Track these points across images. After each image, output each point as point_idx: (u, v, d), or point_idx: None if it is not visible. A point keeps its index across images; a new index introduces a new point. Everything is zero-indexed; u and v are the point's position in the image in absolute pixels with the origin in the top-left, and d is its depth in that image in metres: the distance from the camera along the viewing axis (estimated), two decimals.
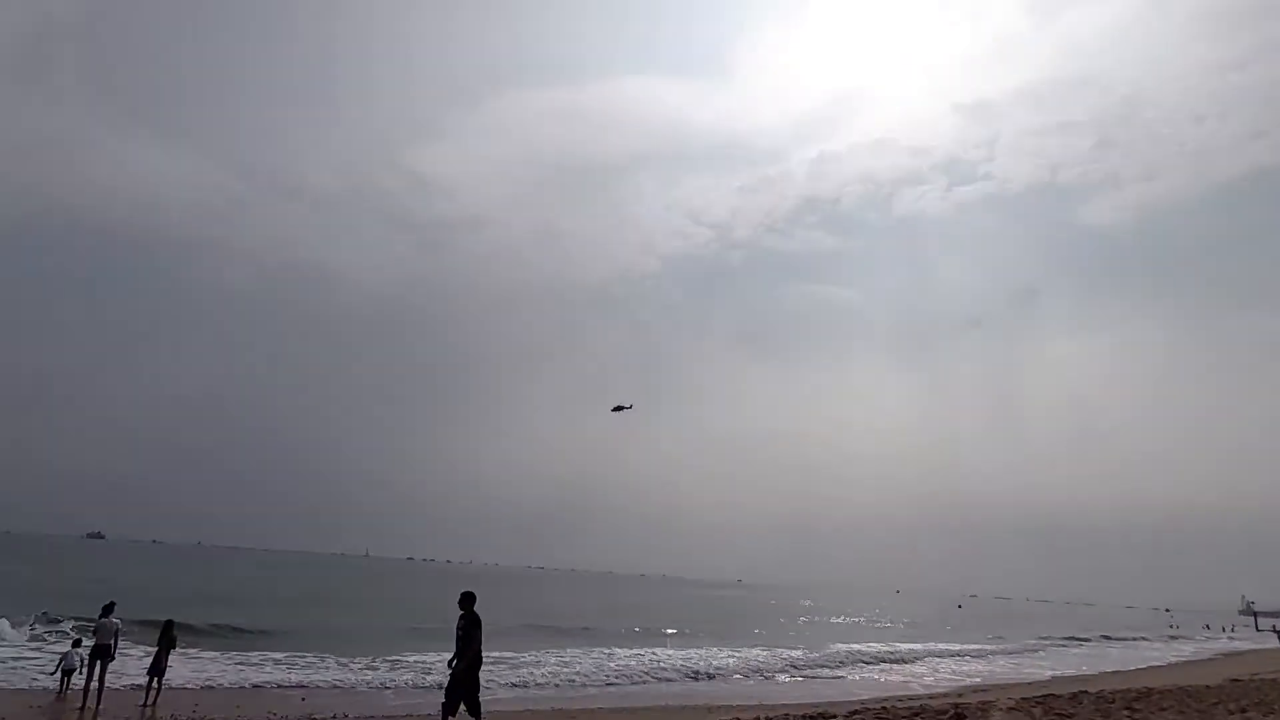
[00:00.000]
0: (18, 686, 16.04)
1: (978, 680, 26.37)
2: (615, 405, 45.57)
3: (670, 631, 42.51)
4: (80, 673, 14.68)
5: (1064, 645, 50.68)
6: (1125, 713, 12.30)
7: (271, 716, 14.00)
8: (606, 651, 29.47)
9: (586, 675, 23.17)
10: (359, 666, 21.63)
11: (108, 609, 14.87)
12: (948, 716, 11.56)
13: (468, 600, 11.55)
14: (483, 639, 11.43)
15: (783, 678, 25.87)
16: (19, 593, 35.83)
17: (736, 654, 31.45)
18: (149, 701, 14.34)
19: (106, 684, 14.41)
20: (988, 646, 43.98)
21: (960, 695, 18.85)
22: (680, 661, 27.64)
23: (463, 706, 11.10)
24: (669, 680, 23.71)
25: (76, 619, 24.84)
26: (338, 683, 19.10)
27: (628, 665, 26.05)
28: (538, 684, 21.25)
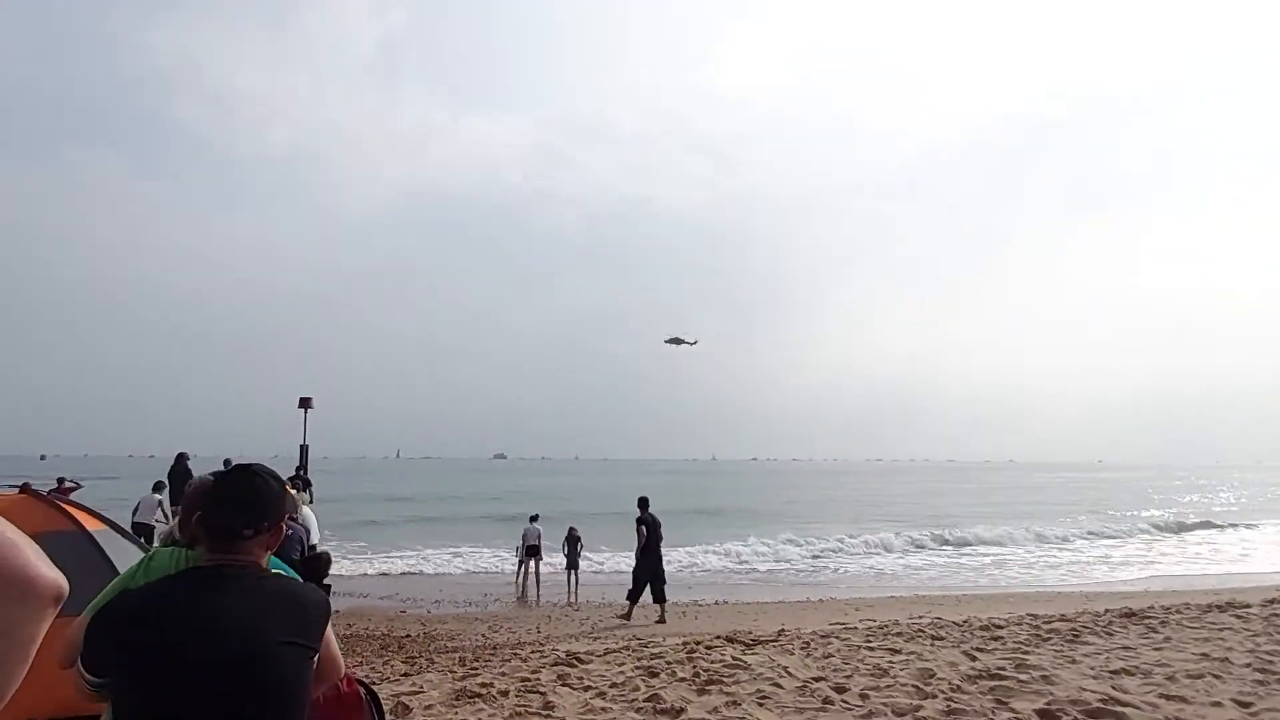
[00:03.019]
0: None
1: None
2: (673, 337, 41.53)
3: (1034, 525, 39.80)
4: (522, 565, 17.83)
5: None
6: None
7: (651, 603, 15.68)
8: (961, 544, 28.54)
9: (970, 566, 22.74)
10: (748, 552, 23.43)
11: (533, 518, 17.90)
12: None
13: (642, 503, 13.48)
14: (660, 534, 13.54)
15: (1160, 565, 23.16)
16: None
17: (1108, 542, 28.80)
18: (570, 589, 16.88)
19: (543, 576, 17.36)
20: None
21: None
22: (1049, 551, 26.02)
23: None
24: (1041, 570, 22.41)
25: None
26: (722, 567, 20.82)
27: (999, 558, 25.10)
28: (893, 573, 21.29)
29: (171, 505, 14.56)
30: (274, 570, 2.06)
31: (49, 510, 6.68)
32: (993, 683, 5.82)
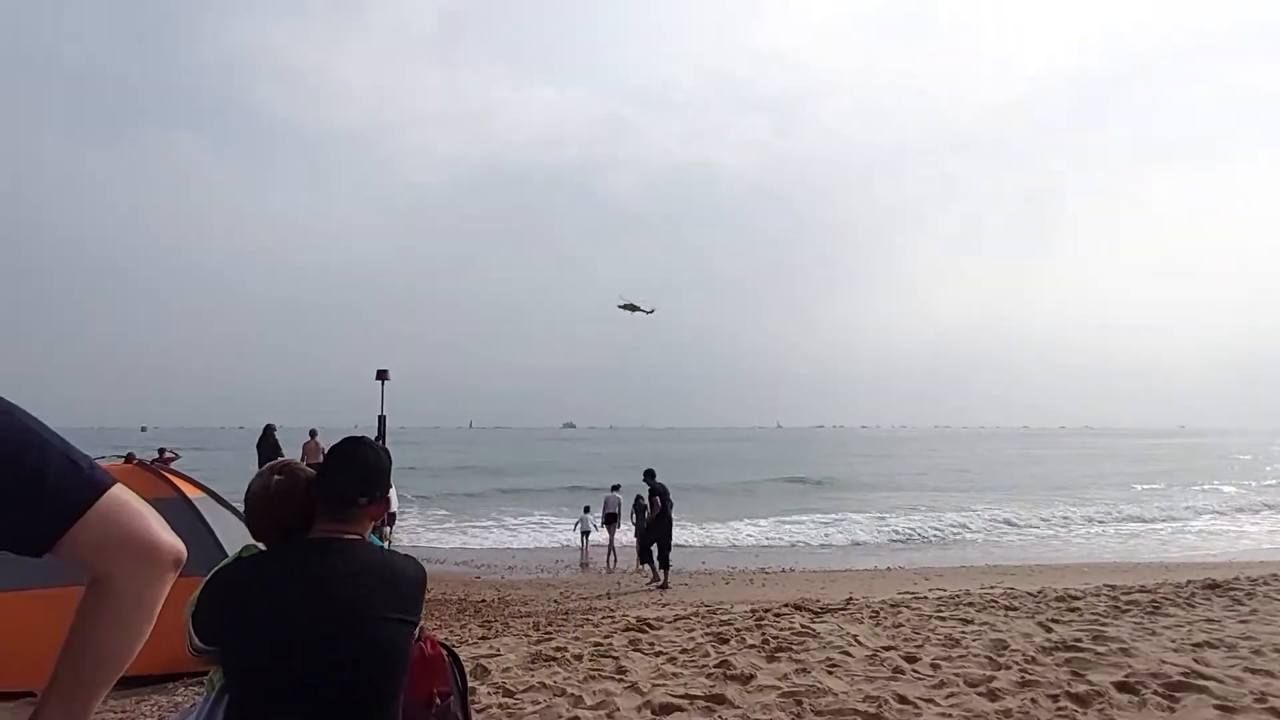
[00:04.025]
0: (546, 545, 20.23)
1: None
2: (627, 303, 38.45)
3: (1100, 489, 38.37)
4: (595, 533, 18.04)
5: None
6: None
7: (730, 570, 15.74)
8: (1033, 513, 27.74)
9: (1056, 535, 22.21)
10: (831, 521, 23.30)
11: (615, 487, 18.10)
12: None
13: (649, 475, 14.42)
14: (661, 504, 13.92)
15: (1247, 537, 22.11)
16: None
17: (1190, 511, 27.64)
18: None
19: (616, 544, 17.54)
20: None
21: None
22: (1125, 520, 25.12)
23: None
24: (1118, 540, 21.70)
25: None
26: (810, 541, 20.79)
27: (1073, 527, 24.40)
28: (963, 543, 20.88)
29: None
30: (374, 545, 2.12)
31: (154, 478, 7.08)
32: (1069, 654, 5.67)
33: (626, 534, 17.62)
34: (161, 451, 16.94)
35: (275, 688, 1.79)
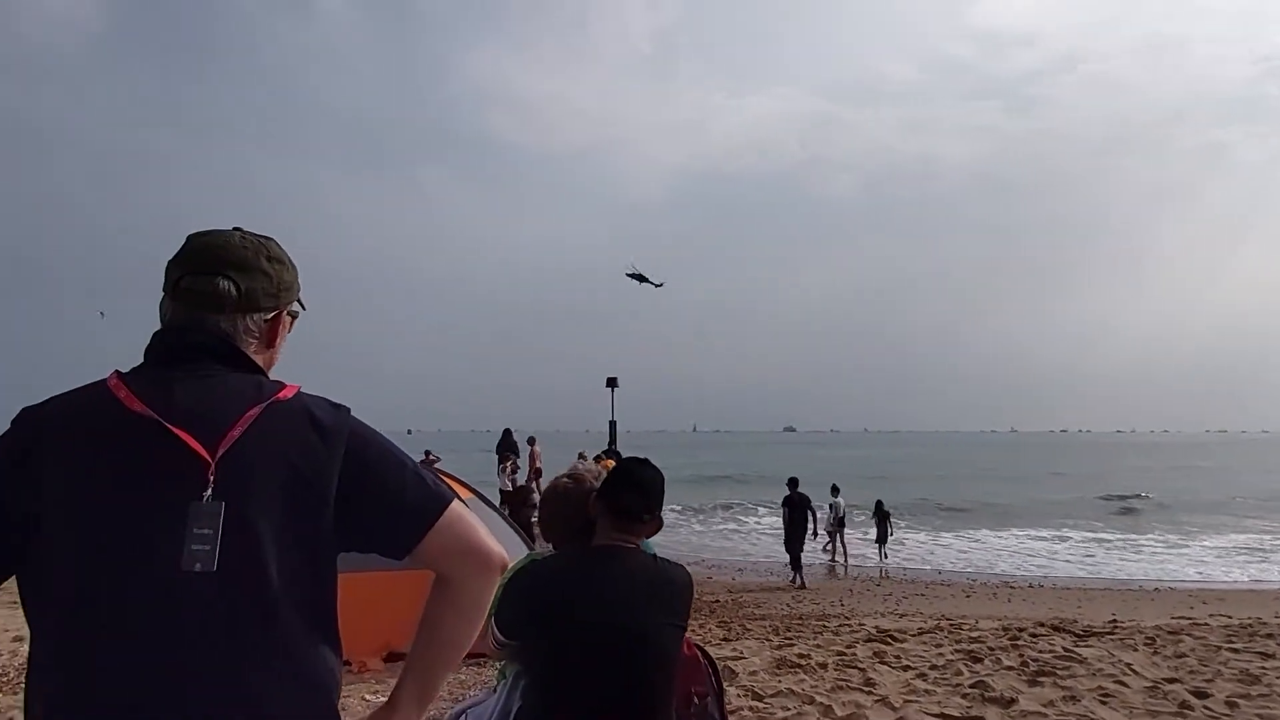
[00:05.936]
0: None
1: None
2: (635, 271, 32.77)
3: None
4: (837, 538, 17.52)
5: None
6: None
7: (970, 582, 14.74)
8: None
9: None
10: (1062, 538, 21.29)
11: (834, 490, 17.39)
12: None
13: (791, 484, 15.02)
14: (805, 513, 14.73)
15: None
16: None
17: None
18: (879, 563, 16.73)
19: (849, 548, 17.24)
20: None
21: None
22: None
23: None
24: None
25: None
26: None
27: None
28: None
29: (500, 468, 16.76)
30: (648, 553, 2.29)
31: None
32: None
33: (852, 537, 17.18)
34: (427, 454, 18.07)
35: (566, 681, 2.00)
